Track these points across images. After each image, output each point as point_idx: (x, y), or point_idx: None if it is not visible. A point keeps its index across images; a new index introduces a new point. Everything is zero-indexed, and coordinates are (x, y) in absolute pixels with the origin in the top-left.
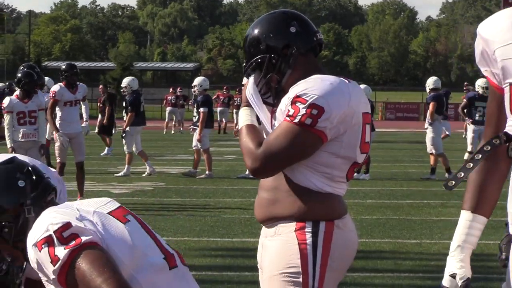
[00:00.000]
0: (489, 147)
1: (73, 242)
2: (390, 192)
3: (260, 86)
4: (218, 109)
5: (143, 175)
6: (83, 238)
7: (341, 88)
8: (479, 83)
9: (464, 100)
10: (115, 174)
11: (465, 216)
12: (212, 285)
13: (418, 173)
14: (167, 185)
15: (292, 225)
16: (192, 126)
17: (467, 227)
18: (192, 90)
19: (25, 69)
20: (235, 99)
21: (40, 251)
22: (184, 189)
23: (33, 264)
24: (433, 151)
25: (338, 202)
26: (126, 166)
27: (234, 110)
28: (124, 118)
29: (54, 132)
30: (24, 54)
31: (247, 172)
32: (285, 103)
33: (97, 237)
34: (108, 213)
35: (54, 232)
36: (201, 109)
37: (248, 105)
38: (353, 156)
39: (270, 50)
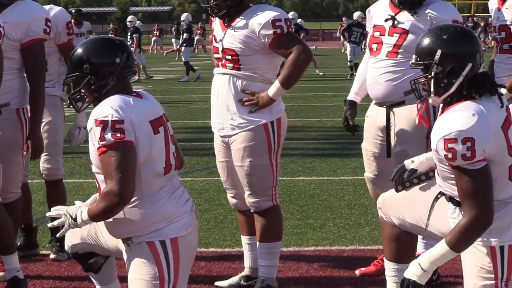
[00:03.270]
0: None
1: (119, 135)
2: None
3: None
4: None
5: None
6: (126, 136)
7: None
8: (356, 14)
9: (344, 25)
10: None
11: None
12: None
13: None
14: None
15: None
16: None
17: None
18: (128, 24)
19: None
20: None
21: (96, 126)
22: None
23: (88, 129)
24: None
25: None
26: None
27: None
28: (180, 41)
29: None
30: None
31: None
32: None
33: (134, 138)
34: (150, 121)
35: (111, 121)
36: (134, 35)
37: None
38: None
39: None
